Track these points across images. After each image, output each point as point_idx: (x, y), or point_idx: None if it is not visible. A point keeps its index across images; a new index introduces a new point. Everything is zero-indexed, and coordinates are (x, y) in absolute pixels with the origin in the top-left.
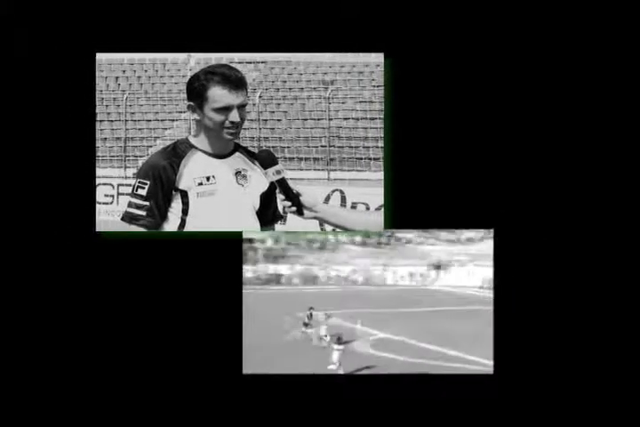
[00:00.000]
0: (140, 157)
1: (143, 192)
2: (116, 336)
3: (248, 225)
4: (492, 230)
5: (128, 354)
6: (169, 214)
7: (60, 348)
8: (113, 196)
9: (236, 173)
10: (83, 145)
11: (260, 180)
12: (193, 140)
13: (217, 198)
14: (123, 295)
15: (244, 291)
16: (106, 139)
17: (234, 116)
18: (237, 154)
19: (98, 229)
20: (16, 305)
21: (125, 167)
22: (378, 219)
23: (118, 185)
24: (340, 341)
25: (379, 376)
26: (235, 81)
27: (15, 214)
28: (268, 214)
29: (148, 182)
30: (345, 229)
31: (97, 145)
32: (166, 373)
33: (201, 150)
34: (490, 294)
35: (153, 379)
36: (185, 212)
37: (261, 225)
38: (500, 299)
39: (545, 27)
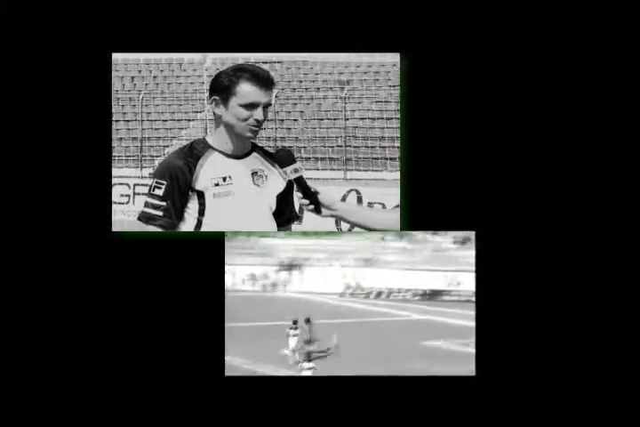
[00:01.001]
0: (157, 156)
1: (160, 192)
2: (115, 336)
3: (264, 226)
4: (473, 232)
5: (119, 354)
6: (185, 215)
7: (60, 345)
8: (129, 195)
9: (253, 174)
10: (99, 145)
11: (276, 180)
12: (210, 140)
13: (233, 199)
14: (134, 294)
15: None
16: (122, 139)
17: (258, 113)
18: (254, 154)
19: (114, 229)
20: (32, 304)
21: (142, 167)
22: (396, 217)
23: (134, 185)
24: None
25: (360, 378)
26: (264, 79)
27: (32, 214)
28: (284, 215)
29: (165, 183)
30: (363, 228)
31: (113, 145)
32: (153, 373)
33: (218, 151)
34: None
35: (141, 378)
36: (201, 212)
37: (278, 226)
38: (482, 301)
39: (563, 27)
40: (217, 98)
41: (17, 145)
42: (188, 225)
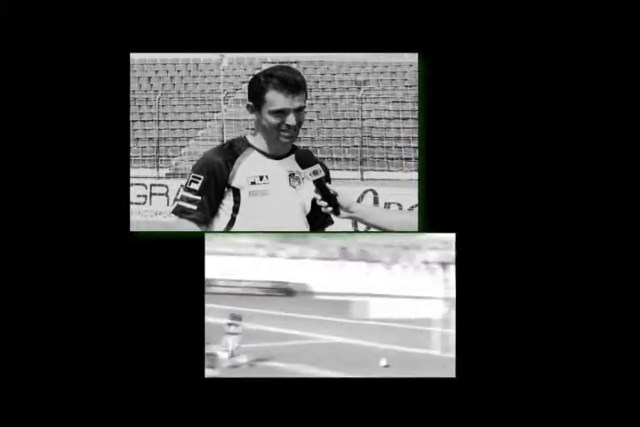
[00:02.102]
0: (173, 157)
1: (196, 187)
2: (128, 334)
3: (297, 227)
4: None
5: (130, 353)
6: (220, 211)
7: (70, 342)
8: (146, 196)
9: (290, 175)
10: (116, 145)
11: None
12: (251, 139)
13: (269, 198)
14: (150, 293)
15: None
16: (138, 139)
17: (290, 119)
18: (293, 156)
19: (132, 229)
20: (52, 303)
21: (158, 168)
22: (413, 219)
23: (151, 185)
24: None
25: (339, 380)
26: (292, 85)
27: (51, 215)
28: (318, 219)
29: (202, 177)
30: (380, 229)
31: (130, 145)
32: (135, 374)
33: (257, 150)
34: None
35: (126, 380)
36: (235, 209)
37: (311, 229)
38: (462, 304)
39: (584, 27)
40: (251, 104)
41: (35, 146)
42: (221, 221)
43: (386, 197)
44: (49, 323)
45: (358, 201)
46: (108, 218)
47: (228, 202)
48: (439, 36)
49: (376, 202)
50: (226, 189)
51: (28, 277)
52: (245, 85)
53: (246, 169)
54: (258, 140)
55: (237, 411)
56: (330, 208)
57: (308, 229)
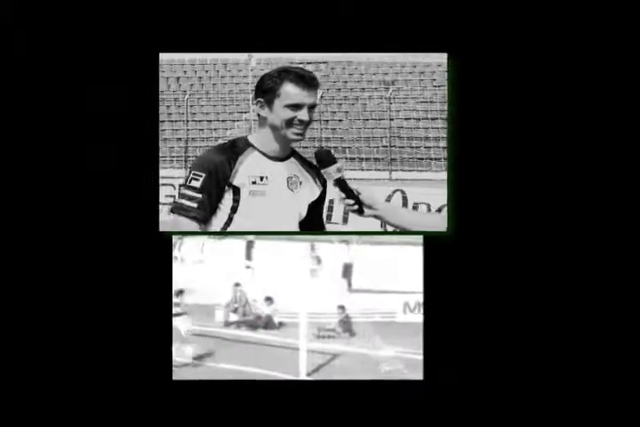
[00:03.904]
0: (200, 154)
1: (197, 184)
2: (112, 335)
3: (289, 230)
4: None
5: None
6: (218, 210)
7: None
8: (174, 196)
9: (289, 178)
10: (146, 146)
11: (311, 188)
12: (252, 140)
13: (266, 199)
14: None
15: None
16: (167, 139)
17: (303, 114)
18: (292, 159)
19: (161, 229)
20: (79, 302)
21: (186, 168)
22: (438, 221)
23: (179, 186)
24: None
25: (309, 382)
26: (308, 80)
27: (80, 215)
28: (311, 223)
29: (203, 175)
30: (403, 229)
31: (159, 145)
32: (97, 377)
33: (258, 150)
34: None
35: (87, 381)
36: (234, 209)
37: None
38: (430, 306)
39: (616, 27)
40: (261, 100)
41: (63, 146)
42: (218, 220)
43: (415, 198)
44: (72, 321)
45: (387, 201)
46: (137, 218)
47: (227, 201)
48: (468, 36)
49: (405, 202)
50: (226, 188)
51: (56, 276)
52: None
53: (248, 168)
54: (260, 140)
55: (204, 413)
56: (355, 206)
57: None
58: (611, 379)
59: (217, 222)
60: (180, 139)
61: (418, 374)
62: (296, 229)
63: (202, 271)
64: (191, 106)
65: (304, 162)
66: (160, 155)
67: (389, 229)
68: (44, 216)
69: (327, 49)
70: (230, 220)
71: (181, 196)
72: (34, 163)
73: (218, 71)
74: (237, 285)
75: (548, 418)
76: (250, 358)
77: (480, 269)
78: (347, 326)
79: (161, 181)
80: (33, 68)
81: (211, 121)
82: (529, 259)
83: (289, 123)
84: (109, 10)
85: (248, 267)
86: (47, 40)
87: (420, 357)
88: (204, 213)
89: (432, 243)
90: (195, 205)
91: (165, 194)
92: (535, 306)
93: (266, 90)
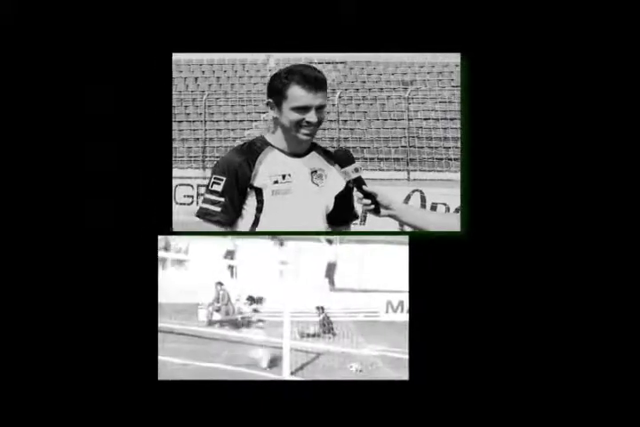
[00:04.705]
0: (220, 157)
1: (219, 188)
2: (112, 335)
3: (317, 226)
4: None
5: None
6: (243, 212)
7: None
8: (192, 196)
9: (312, 173)
10: (160, 146)
11: (336, 180)
12: (269, 138)
13: (292, 197)
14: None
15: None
16: (185, 140)
17: (311, 116)
18: (314, 153)
19: (175, 229)
20: (83, 302)
21: (204, 168)
22: (454, 222)
23: (198, 186)
24: None
25: (295, 383)
26: (314, 82)
27: (94, 215)
28: (342, 215)
29: (224, 179)
30: (419, 230)
31: (176, 146)
32: (86, 377)
33: (277, 148)
34: None
35: (78, 381)
36: (259, 209)
37: (332, 226)
38: (415, 306)
39: (629, 25)
40: (271, 101)
41: (75, 145)
42: (245, 222)
43: (433, 198)
44: (72, 321)
45: (405, 201)
46: (151, 218)
47: (251, 202)
48: (482, 36)
49: (423, 201)
50: (248, 190)
51: (70, 274)
52: None
53: (268, 168)
54: (276, 139)
55: (190, 413)
56: (372, 206)
57: (325, 228)
58: (599, 373)
59: (244, 224)
60: (197, 139)
61: (404, 374)
62: (323, 224)
63: (185, 271)
64: (209, 106)
65: (326, 154)
66: (178, 155)
67: (406, 229)
68: (54, 215)
69: (345, 49)
70: (257, 220)
71: (205, 200)
72: (48, 162)
73: (236, 71)
74: (220, 284)
75: (535, 417)
76: (233, 356)
77: (487, 269)
78: (327, 327)
79: (180, 182)
80: (48, 69)
81: (229, 121)
82: (539, 259)
83: (298, 124)
84: (124, 10)
85: (230, 266)
86: (59, 41)
87: (406, 356)
88: (227, 217)
89: (440, 242)
90: (218, 209)
91: (184, 194)
92: (535, 306)
93: (274, 91)
